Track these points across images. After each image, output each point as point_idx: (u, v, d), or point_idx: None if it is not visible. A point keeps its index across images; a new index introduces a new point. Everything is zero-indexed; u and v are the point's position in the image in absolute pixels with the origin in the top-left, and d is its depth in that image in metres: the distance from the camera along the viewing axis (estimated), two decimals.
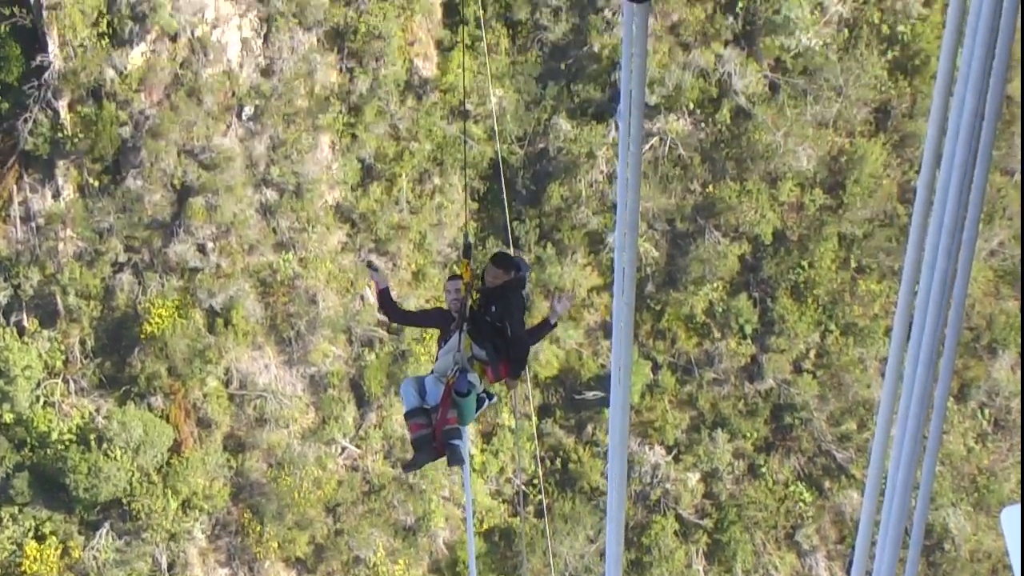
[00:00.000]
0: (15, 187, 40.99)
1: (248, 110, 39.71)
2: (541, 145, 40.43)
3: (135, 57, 39.09)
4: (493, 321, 14.53)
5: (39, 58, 39.21)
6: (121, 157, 40.13)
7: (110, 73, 39.11)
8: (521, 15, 40.14)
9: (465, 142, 39.13)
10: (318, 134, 39.96)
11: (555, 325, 15.60)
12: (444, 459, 14.92)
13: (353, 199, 40.43)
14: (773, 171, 39.82)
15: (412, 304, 39.06)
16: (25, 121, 39.73)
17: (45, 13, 38.84)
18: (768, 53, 39.28)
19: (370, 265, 15.19)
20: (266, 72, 39.66)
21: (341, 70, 40.09)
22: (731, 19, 39.38)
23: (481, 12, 38.86)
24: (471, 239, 14.38)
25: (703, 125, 40.10)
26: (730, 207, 39.79)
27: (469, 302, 14.48)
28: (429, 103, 40.25)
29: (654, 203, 39.61)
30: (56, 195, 40.72)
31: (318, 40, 39.73)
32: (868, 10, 39.33)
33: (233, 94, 39.69)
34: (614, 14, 39.28)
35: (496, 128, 39.44)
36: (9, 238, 41.07)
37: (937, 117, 5.39)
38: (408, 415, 14.95)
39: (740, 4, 39.11)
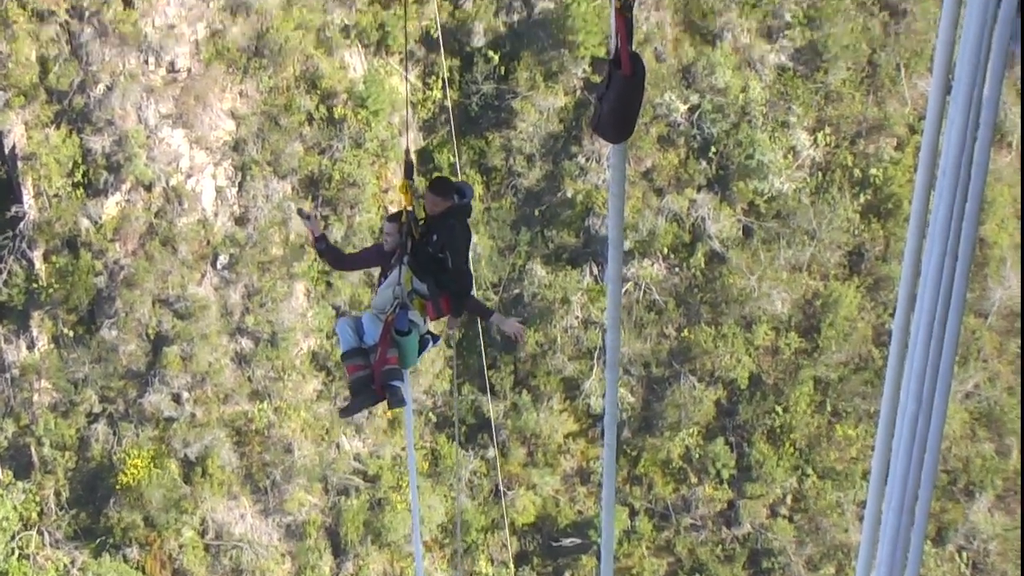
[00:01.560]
0: None
1: (223, 259, 39.78)
2: (516, 291, 40.52)
3: (110, 207, 39.21)
4: (435, 252, 13.75)
5: (14, 209, 39.30)
6: (96, 307, 40.11)
7: (85, 223, 39.21)
8: (495, 162, 40.41)
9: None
10: (293, 282, 40.00)
11: (490, 315, 15.10)
12: (384, 403, 14.25)
13: (328, 347, 40.38)
14: (748, 315, 39.93)
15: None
16: (0, 272, 39.75)
17: (20, 164, 39.02)
18: (741, 197, 39.56)
19: (300, 213, 14.77)
20: (241, 220, 39.79)
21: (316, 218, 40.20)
22: (704, 164, 39.70)
23: (455, 159, 39.12)
24: (412, 158, 13.53)
25: (677, 270, 40.26)
26: (705, 351, 39.83)
27: (410, 231, 13.69)
28: None
29: (629, 348, 39.64)
30: (31, 346, 40.63)
31: (292, 188, 39.92)
32: (840, 154, 39.69)
33: (208, 243, 39.76)
34: (587, 160, 39.58)
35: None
36: None
37: (910, 260, 5.41)
38: (345, 356, 14.21)
39: (713, 149, 39.45)
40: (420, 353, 14.39)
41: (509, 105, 39.73)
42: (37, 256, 39.75)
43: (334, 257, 14.91)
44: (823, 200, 39.44)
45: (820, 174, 39.72)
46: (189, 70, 39.01)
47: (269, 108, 39.32)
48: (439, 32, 37.71)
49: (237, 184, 39.80)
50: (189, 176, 39.38)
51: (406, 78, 38.58)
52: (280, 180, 39.69)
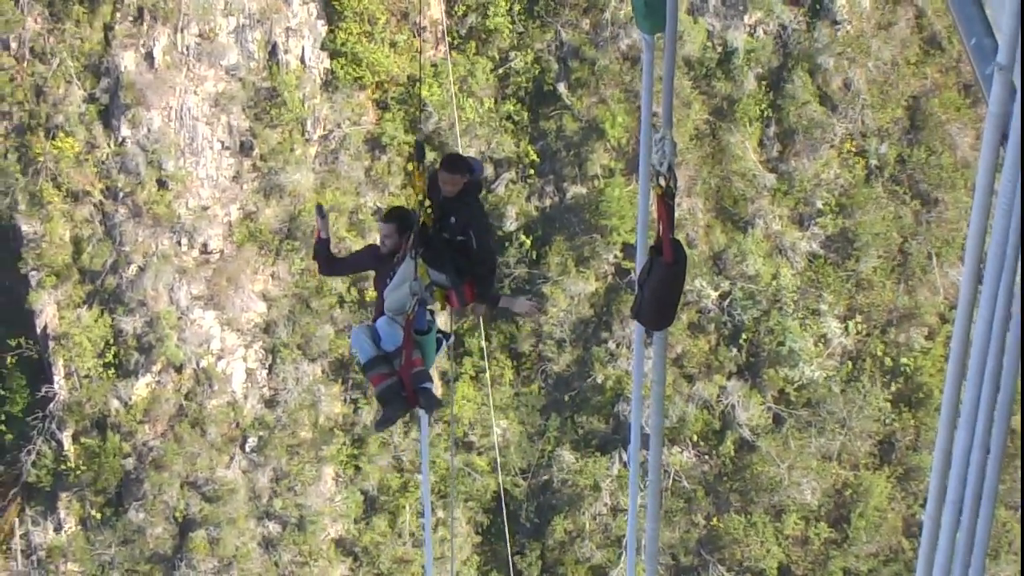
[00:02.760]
0: (17, 520, 40.75)
1: (252, 441, 39.70)
2: (544, 477, 40.29)
3: (140, 388, 39.28)
4: (453, 236, 12.91)
5: (44, 389, 39.39)
6: (124, 489, 39.99)
7: (115, 404, 39.26)
8: (525, 347, 40.42)
9: (457, 471, 38.97)
10: (321, 466, 39.86)
11: (499, 300, 14.18)
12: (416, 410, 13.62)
13: (356, 532, 40.10)
14: (777, 504, 39.56)
15: None
16: (28, 453, 39.72)
17: (51, 344, 39.20)
18: (772, 385, 39.43)
19: (319, 210, 13.78)
20: (270, 403, 39.79)
21: (345, 401, 40.21)
22: (735, 351, 39.65)
23: (485, 343, 39.15)
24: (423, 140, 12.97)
25: (707, 457, 40.01)
26: (735, 540, 39.40)
27: (421, 218, 12.75)
28: (432, 434, 40.22)
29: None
30: (58, 528, 40.45)
31: (322, 371, 39.95)
32: (871, 342, 39.61)
33: (237, 425, 39.74)
34: (618, 346, 39.57)
35: (499, 461, 39.34)
36: (11, 571, 40.62)
37: (942, 451, 5.32)
38: (367, 367, 13.34)
39: (744, 336, 39.42)
40: (436, 353, 13.84)
41: (540, 290, 39.83)
42: (66, 437, 39.73)
43: (327, 261, 14.06)
44: (854, 389, 39.28)
45: (851, 362, 39.61)
46: (221, 251, 39.30)
47: (300, 290, 39.51)
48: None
49: (267, 366, 39.87)
50: (219, 358, 39.48)
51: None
52: (310, 363, 39.75)
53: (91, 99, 38.64)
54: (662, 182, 7.46)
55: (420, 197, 12.58)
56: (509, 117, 39.54)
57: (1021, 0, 3.75)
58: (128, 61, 38.26)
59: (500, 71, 39.80)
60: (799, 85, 39.27)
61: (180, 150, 38.80)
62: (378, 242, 13.69)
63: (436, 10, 38.83)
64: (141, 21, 38.25)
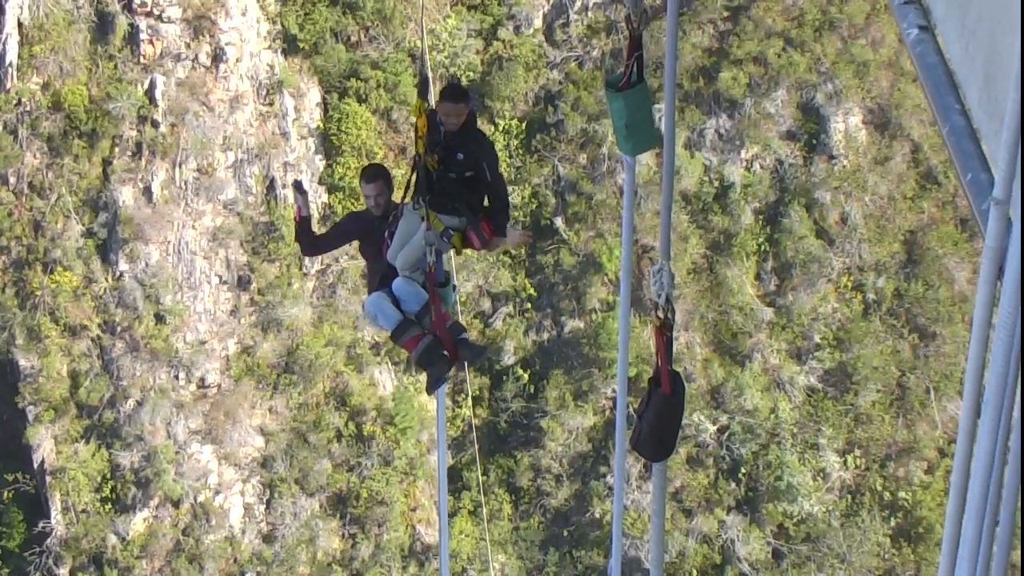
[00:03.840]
0: None
1: None
2: None
3: (137, 523, 39.03)
4: (461, 173, 11.99)
5: (41, 524, 39.12)
6: None
7: (112, 539, 38.97)
8: (523, 481, 40.23)
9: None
10: None
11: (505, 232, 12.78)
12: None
13: None
14: None
15: None
16: None
17: (48, 479, 39.00)
18: (771, 519, 39.20)
19: (298, 186, 12.76)
20: (268, 538, 39.51)
21: (343, 536, 39.95)
22: (733, 485, 39.46)
23: (483, 478, 38.96)
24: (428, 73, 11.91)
25: None
26: None
27: (425, 162, 11.78)
28: (432, 569, 39.94)
29: None
30: None
31: (320, 506, 39.73)
32: (870, 476, 39.44)
33: (235, 560, 39.42)
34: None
35: None
36: None
37: None
38: (397, 333, 12.31)
39: (742, 470, 39.25)
40: (452, 301, 12.82)
41: (538, 424, 39.73)
42: (64, 572, 39.38)
43: (310, 242, 12.89)
44: (853, 523, 39.04)
45: (850, 497, 39.41)
46: (219, 386, 39.26)
47: (298, 425, 39.41)
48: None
49: (265, 501, 39.66)
50: (217, 492, 39.28)
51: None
52: (308, 497, 39.53)
53: (89, 233, 38.79)
54: (660, 313, 7.47)
55: (422, 136, 11.66)
56: (506, 252, 39.68)
57: (1018, 134, 3.78)
58: (126, 196, 38.47)
59: None
60: (796, 219, 39.46)
61: (178, 284, 38.89)
62: (365, 206, 12.76)
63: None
64: (140, 156, 38.52)
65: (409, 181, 11.98)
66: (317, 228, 12.83)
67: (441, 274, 12.30)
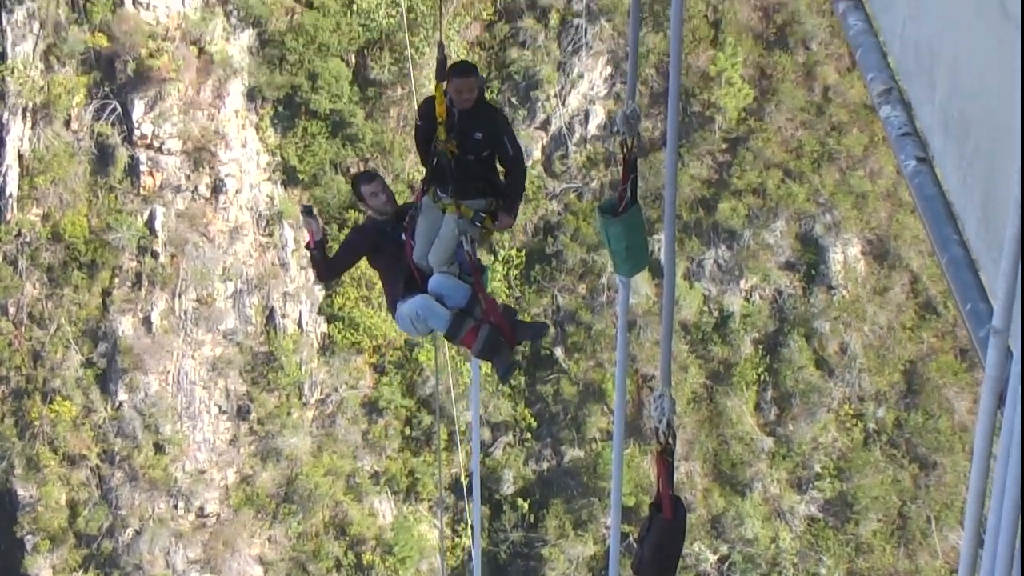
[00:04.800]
0: None
1: None
2: None
3: None
4: (480, 153, 11.44)
5: None
6: None
7: None
8: None
9: None
10: None
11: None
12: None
13: None
14: None
15: None
16: None
17: None
18: None
19: (307, 211, 11.91)
20: None
21: None
22: None
23: None
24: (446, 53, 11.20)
25: None
26: None
27: (445, 148, 11.29)
28: None
29: None
30: None
31: None
32: None
33: None
34: None
35: None
36: None
37: None
38: (452, 331, 11.76)
39: None
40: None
41: (538, 553, 39.50)
42: None
43: (325, 265, 12.38)
44: None
45: None
46: (218, 515, 39.10)
47: (298, 554, 39.19)
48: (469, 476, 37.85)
49: None
50: None
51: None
52: None
53: (88, 363, 38.82)
54: (661, 439, 7.48)
55: (442, 121, 11.19)
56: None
57: (1016, 264, 3.81)
58: (126, 326, 38.53)
59: None
60: (795, 349, 39.49)
61: (177, 414, 38.86)
62: (371, 213, 12.20)
63: None
64: (139, 286, 38.63)
65: (427, 175, 11.64)
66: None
67: (478, 262, 11.86)
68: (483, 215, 11.57)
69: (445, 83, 11.22)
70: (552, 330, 39.85)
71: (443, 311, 11.69)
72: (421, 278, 11.94)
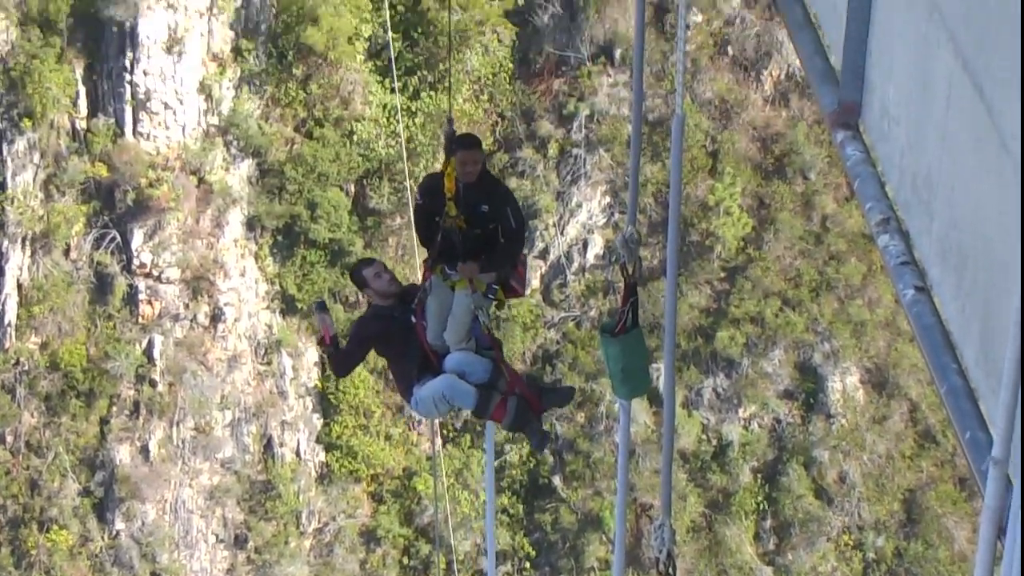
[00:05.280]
0: None
1: None
2: None
3: None
4: (486, 226, 11.31)
5: None
6: None
7: None
8: None
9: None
10: None
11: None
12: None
13: None
14: None
15: None
16: None
17: None
18: None
19: (321, 307, 12.00)
20: None
21: None
22: None
23: None
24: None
25: None
26: None
27: (454, 223, 11.17)
28: None
29: None
30: None
31: None
32: None
33: None
34: None
35: None
36: None
37: None
38: (480, 408, 11.55)
39: None
40: None
41: None
42: None
43: (341, 360, 12.27)
44: None
45: None
46: None
47: None
48: None
49: None
50: None
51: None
52: None
53: (86, 492, 38.64)
54: (661, 569, 7.48)
55: (451, 196, 11.13)
56: (504, 510, 39.47)
57: (1016, 394, 3.81)
58: (123, 454, 38.42)
59: (495, 464, 39.92)
60: (794, 478, 39.35)
61: (174, 543, 38.64)
62: (376, 299, 11.97)
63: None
64: (137, 415, 38.56)
65: (433, 254, 11.51)
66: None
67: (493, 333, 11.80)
68: (496, 287, 11.47)
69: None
70: (552, 459, 39.77)
71: (468, 388, 11.49)
72: (437, 359, 11.77)
